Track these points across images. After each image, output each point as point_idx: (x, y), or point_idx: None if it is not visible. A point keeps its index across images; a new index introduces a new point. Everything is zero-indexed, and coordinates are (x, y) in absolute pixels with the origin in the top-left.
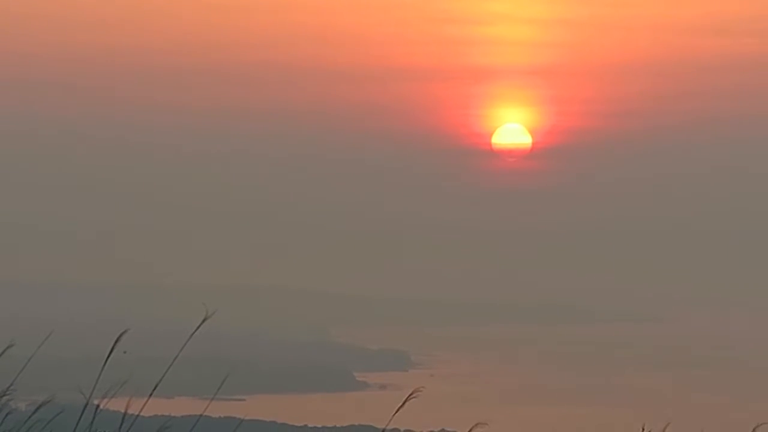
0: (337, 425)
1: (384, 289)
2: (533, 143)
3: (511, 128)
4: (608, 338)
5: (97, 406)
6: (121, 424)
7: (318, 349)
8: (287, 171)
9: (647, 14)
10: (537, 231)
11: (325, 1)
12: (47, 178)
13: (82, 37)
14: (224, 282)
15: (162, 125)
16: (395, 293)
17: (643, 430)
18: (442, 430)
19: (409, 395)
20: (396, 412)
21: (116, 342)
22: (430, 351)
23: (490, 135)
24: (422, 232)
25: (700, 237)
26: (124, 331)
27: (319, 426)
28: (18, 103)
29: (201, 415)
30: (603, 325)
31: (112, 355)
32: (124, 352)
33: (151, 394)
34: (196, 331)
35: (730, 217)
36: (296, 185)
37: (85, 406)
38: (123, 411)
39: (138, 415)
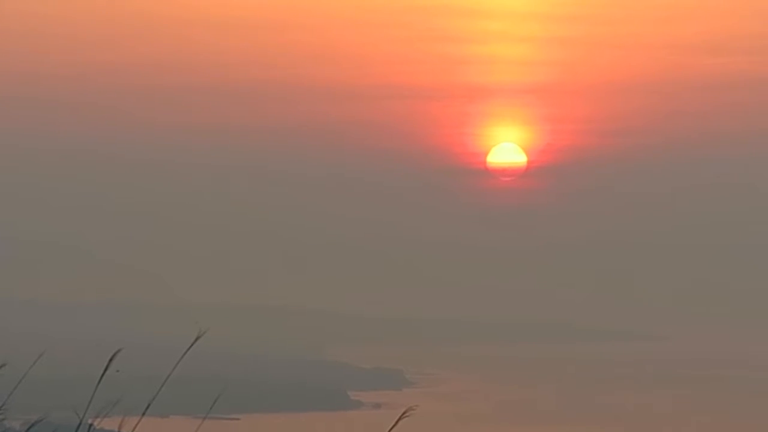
0: None
1: (379, 307)
2: (528, 162)
3: (507, 147)
4: (605, 356)
5: (91, 424)
6: None
7: (312, 367)
8: (284, 189)
9: (642, 33)
10: (533, 250)
11: (322, 20)
12: (42, 196)
13: (84, 55)
14: (219, 300)
15: (161, 142)
16: (390, 312)
17: None
18: None
19: (402, 414)
20: (389, 430)
21: (110, 361)
22: (425, 370)
23: (486, 154)
24: (417, 251)
25: (698, 255)
26: (118, 350)
27: None
28: (17, 121)
29: None
30: (600, 343)
31: (105, 374)
32: (117, 371)
33: (144, 413)
34: (188, 350)
35: (727, 235)
36: (293, 203)
37: (79, 425)
38: (116, 430)
39: None
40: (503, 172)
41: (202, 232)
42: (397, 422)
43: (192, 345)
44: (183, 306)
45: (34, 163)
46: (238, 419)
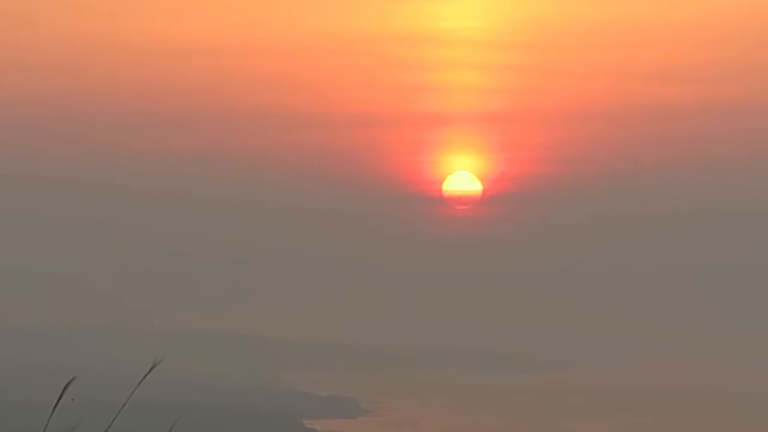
0: None
1: (334, 334)
2: (484, 190)
3: (462, 175)
4: (558, 385)
5: None
6: None
7: (267, 395)
8: (239, 215)
9: (596, 61)
10: (488, 278)
11: (280, 47)
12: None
13: (44, 81)
14: (176, 326)
15: (121, 168)
16: (345, 339)
17: None
18: None
19: None
20: None
21: (65, 389)
22: (380, 398)
23: (441, 182)
24: (373, 279)
25: (653, 282)
26: (73, 379)
27: None
28: None
29: None
30: (552, 372)
31: (60, 402)
32: (72, 400)
33: None
34: (144, 378)
35: (683, 262)
36: (248, 230)
37: None
38: None
39: None
40: (459, 200)
41: (159, 259)
42: None
43: (147, 374)
44: (140, 332)
45: None
46: None
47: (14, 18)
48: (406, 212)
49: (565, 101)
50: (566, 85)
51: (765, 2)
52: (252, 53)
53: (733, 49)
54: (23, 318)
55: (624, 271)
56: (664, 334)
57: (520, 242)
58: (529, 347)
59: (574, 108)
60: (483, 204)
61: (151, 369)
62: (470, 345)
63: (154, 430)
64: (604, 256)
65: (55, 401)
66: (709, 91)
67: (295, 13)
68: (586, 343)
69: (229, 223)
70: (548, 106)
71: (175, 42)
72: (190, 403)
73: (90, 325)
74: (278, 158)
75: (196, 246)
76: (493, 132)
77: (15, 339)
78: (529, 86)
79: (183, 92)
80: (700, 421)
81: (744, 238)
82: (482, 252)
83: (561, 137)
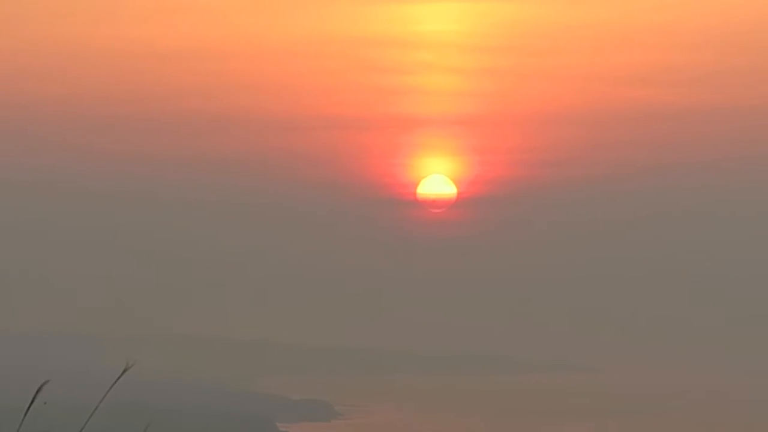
0: None
1: (308, 338)
2: (458, 193)
3: (436, 179)
4: (536, 387)
5: None
6: None
7: (241, 398)
8: (213, 218)
9: (570, 64)
10: (462, 280)
11: (253, 50)
12: None
13: (26, 85)
14: (149, 330)
15: (97, 171)
16: (320, 342)
17: None
18: None
19: None
20: None
21: (37, 392)
22: (353, 401)
23: (416, 185)
24: (348, 282)
25: (628, 286)
26: (45, 382)
27: None
28: None
29: None
30: (530, 374)
31: (32, 406)
32: (44, 403)
33: None
34: (116, 381)
35: (657, 266)
36: (222, 233)
37: None
38: None
39: None
40: (433, 203)
41: (132, 262)
42: None
43: (120, 377)
44: (113, 336)
45: None
46: None
47: None
48: (380, 215)
49: (540, 104)
50: (541, 89)
51: (739, 5)
52: (226, 57)
53: (708, 52)
54: None
55: (599, 275)
56: (642, 338)
57: (494, 244)
58: (504, 350)
59: (549, 111)
60: (457, 207)
61: (124, 371)
62: (445, 348)
63: None
64: (579, 259)
65: (27, 405)
66: (685, 94)
67: (271, 18)
68: (563, 346)
69: (203, 225)
70: (523, 110)
71: (153, 46)
72: (163, 406)
73: (62, 328)
74: (252, 161)
75: (169, 249)
76: (467, 135)
77: None
78: (503, 89)
79: (162, 96)
80: (676, 424)
81: (722, 242)
82: (456, 254)
83: (536, 140)
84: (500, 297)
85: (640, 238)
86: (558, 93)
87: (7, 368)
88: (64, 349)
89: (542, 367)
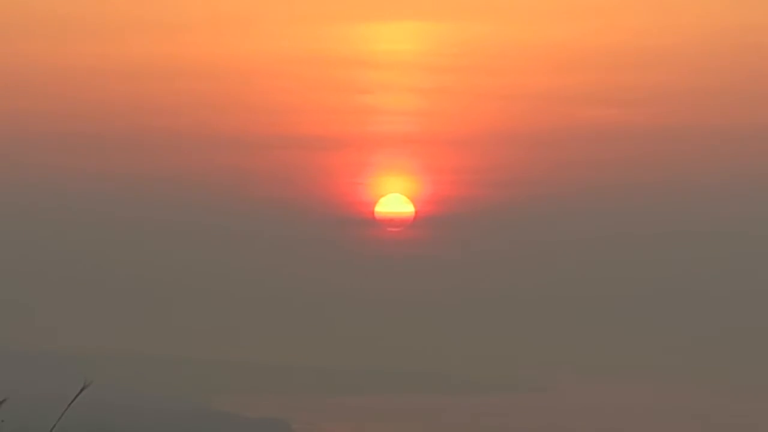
0: None
1: (264, 356)
2: (416, 212)
3: (394, 197)
4: (488, 409)
5: None
6: None
7: (197, 417)
8: (171, 237)
9: (527, 83)
10: (419, 299)
11: (212, 67)
12: None
13: None
14: (105, 348)
15: (51, 188)
16: (276, 361)
17: None
18: None
19: None
20: None
21: None
22: (311, 419)
23: (373, 204)
24: (304, 300)
25: (582, 307)
26: (3, 400)
27: None
28: None
29: None
30: (483, 395)
31: None
32: (2, 421)
33: None
34: (73, 401)
35: (612, 287)
36: (179, 251)
37: None
38: None
39: None
40: (391, 222)
41: (87, 279)
42: None
43: (77, 396)
44: (69, 354)
45: None
46: None
47: None
48: (337, 234)
49: (495, 124)
50: (496, 108)
51: (692, 25)
52: (184, 75)
53: (661, 72)
54: None
55: (554, 295)
56: (589, 361)
57: (452, 263)
58: (460, 370)
59: (505, 131)
60: (415, 226)
61: (81, 391)
62: (404, 367)
63: None
64: (535, 278)
65: None
66: (638, 114)
67: (228, 36)
68: (513, 367)
69: (157, 244)
70: (479, 129)
71: (125, 64)
72: (119, 426)
73: (17, 347)
74: (207, 179)
75: (125, 268)
76: (424, 154)
77: None
78: (459, 108)
79: (132, 114)
80: None
81: (674, 262)
82: (414, 273)
83: (491, 160)
84: (455, 316)
85: (595, 260)
86: (513, 112)
87: None
88: (19, 368)
89: (491, 387)
